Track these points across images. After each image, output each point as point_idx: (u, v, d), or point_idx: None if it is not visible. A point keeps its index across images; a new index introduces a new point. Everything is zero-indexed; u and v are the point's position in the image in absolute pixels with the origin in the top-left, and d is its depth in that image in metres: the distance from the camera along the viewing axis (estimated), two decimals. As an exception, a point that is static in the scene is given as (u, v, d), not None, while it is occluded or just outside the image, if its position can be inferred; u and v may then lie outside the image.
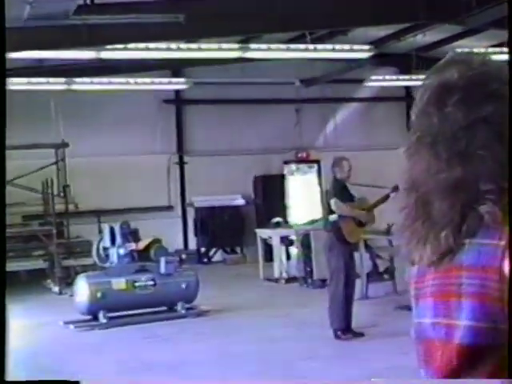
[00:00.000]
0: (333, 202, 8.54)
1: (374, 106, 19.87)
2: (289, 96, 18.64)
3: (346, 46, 13.92)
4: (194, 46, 12.64)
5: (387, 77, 18.62)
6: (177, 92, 18.23)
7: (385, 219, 10.00)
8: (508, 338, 1.22)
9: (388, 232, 11.05)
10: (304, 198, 18.99)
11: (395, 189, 9.20)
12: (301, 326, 9.71)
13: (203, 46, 12.64)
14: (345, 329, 8.62)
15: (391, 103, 20.29)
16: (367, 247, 11.64)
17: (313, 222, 14.58)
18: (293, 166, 19.30)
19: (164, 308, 10.83)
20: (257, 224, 17.00)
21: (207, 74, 17.19)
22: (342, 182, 8.80)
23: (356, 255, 9.86)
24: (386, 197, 9.14)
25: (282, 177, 18.94)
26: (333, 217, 8.63)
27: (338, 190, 8.70)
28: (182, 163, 18.49)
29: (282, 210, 17.91)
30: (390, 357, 7.69)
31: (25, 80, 14.12)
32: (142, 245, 10.80)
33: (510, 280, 1.66)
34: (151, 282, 10.50)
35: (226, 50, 12.96)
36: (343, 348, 8.34)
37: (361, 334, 8.68)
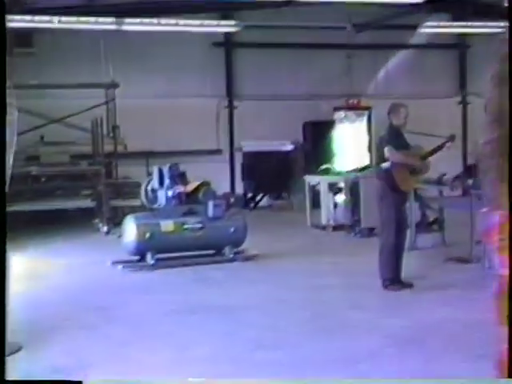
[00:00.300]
0: (387, 149, 8.35)
1: (427, 53, 19.43)
2: (340, 41, 18.28)
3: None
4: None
5: (441, 23, 18.16)
6: (226, 35, 18.00)
7: (436, 168, 9.88)
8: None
9: (439, 182, 10.85)
10: (353, 145, 18.77)
11: (451, 138, 8.99)
12: (348, 274, 9.61)
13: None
14: (394, 279, 8.50)
15: (445, 51, 19.83)
16: (417, 197, 11.41)
17: (362, 169, 14.41)
18: (343, 113, 19.03)
19: (211, 251, 10.82)
20: (305, 170, 16.84)
21: (257, 18, 16.91)
22: (397, 128, 8.57)
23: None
24: (442, 146, 8.91)
25: (332, 123, 18.70)
26: (386, 164, 8.45)
27: (393, 136, 8.48)
28: (231, 107, 18.36)
29: (330, 156, 17.74)
30: (437, 309, 7.60)
31: (74, 19, 14.02)
32: (190, 187, 10.74)
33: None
34: (199, 225, 10.47)
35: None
36: (391, 299, 8.22)
37: (410, 285, 8.56)
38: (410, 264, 9.04)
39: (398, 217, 8.50)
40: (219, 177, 16.33)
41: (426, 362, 5.79)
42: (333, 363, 5.83)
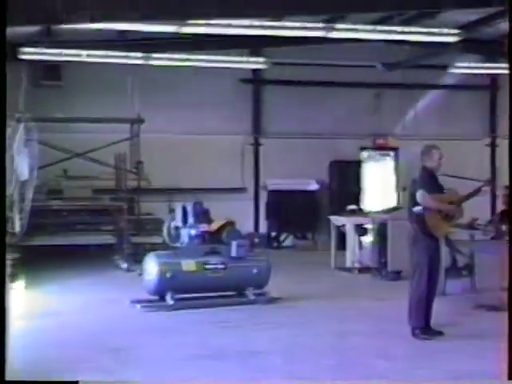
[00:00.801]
0: (419, 193, 8.04)
1: (457, 93, 19.16)
2: (369, 80, 18.09)
3: (435, 30, 13.35)
4: (276, 23, 12.24)
5: (472, 64, 17.94)
6: (254, 72, 17.87)
7: (468, 212, 9.53)
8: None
9: (471, 226, 10.50)
10: (380, 185, 18.48)
11: (488, 182, 8.68)
12: (375, 320, 9.28)
13: (286, 24, 12.23)
14: (424, 327, 8.15)
15: (475, 92, 19.56)
16: (447, 241, 11.05)
17: (390, 210, 14.09)
18: (370, 153, 18.76)
19: (233, 293, 10.51)
20: (330, 210, 16.53)
21: (286, 55, 16.77)
22: (430, 171, 8.28)
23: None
24: (478, 190, 8.60)
25: (359, 163, 18.43)
26: (417, 208, 8.14)
27: (427, 180, 8.19)
28: (257, 144, 18.17)
29: (356, 197, 17.44)
30: (468, 360, 7.24)
31: (102, 53, 13.94)
32: (214, 226, 10.48)
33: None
34: (221, 265, 10.18)
35: (310, 28, 12.51)
36: (421, 347, 7.87)
37: (440, 333, 8.21)
38: (439, 310, 8.68)
39: (430, 262, 8.18)
40: (243, 215, 16.04)
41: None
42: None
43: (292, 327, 8.94)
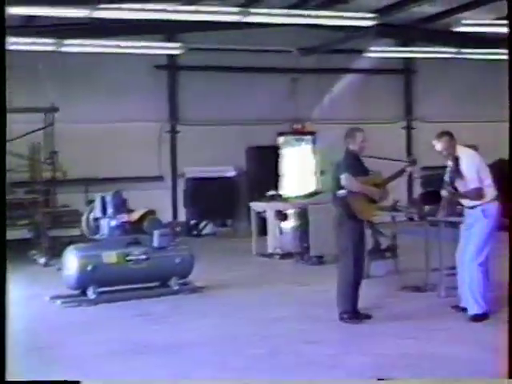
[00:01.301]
0: (343, 177, 7.96)
1: (373, 78, 19.28)
2: (286, 65, 18.04)
3: (349, 14, 13.40)
4: (191, 8, 12.04)
5: (387, 48, 18.14)
6: (170, 58, 17.57)
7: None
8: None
9: (393, 208, 10.53)
10: (299, 170, 18.48)
11: (413, 162, 8.68)
12: (301, 305, 9.21)
13: (201, 8, 12.05)
14: (351, 311, 8.12)
15: (390, 76, 19.74)
16: (369, 223, 11.06)
17: (311, 195, 14.08)
18: (287, 138, 18.73)
19: (156, 284, 10.28)
20: (249, 197, 16.42)
21: (202, 40, 16.55)
22: (354, 154, 8.21)
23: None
24: (401, 171, 8.57)
25: (276, 148, 18.37)
26: (341, 192, 8.07)
27: (351, 162, 8.11)
28: (173, 132, 17.89)
29: (275, 182, 17.38)
30: (399, 342, 7.25)
31: (11, 39, 13.41)
32: (135, 216, 10.20)
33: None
34: (144, 256, 9.92)
35: (225, 13, 12.35)
36: (350, 332, 7.83)
37: (368, 317, 8.19)
38: (365, 293, 8.64)
39: (356, 246, 8.12)
40: (161, 204, 15.75)
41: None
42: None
43: (218, 316, 8.77)
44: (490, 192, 7.97)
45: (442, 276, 9.33)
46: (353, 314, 8.12)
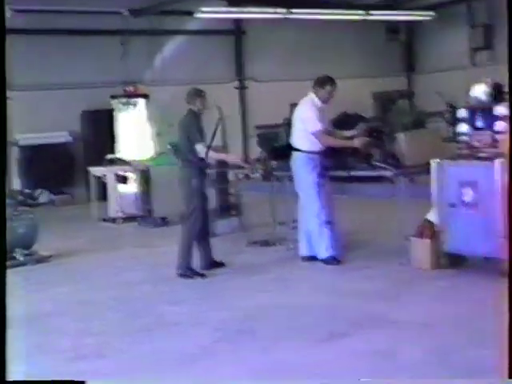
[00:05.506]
0: (200, 148, 8.17)
1: (205, 39, 19.32)
2: (115, 27, 17.70)
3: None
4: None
5: (217, 9, 18.21)
6: (-7, 21, 16.75)
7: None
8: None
9: (238, 166, 10.68)
10: (134, 133, 18.27)
11: (220, 120, 9.06)
12: (152, 267, 9.22)
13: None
14: (184, 267, 8.30)
15: (221, 37, 19.86)
16: (212, 182, 11.18)
17: (152, 158, 14.04)
18: (120, 101, 18.43)
19: None
20: (86, 162, 16.12)
21: (28, 2, 15.91)
22: (197, 114, 8.39)
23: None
24: (215, 130, 8.82)
25: (111, 112, 18.04)
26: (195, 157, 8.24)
27: (196, 125, 8.29)
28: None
29: (112, 146, 17.12)
30: (254, 295, 7.45)
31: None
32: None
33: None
34: (-15, 228, 9.55)
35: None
36: (207, 289, 7.93)
37: (202, 275, 8.35)
38: (214, 251, 8.80)
39: (201, 203, 8.36)
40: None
41: (263, 352, 5.56)
42: (168, 364, 5.42)
43: (69, 284, 8.60)
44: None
45: (289, 229, 9.62)
46: (186, 269, 8.28)
